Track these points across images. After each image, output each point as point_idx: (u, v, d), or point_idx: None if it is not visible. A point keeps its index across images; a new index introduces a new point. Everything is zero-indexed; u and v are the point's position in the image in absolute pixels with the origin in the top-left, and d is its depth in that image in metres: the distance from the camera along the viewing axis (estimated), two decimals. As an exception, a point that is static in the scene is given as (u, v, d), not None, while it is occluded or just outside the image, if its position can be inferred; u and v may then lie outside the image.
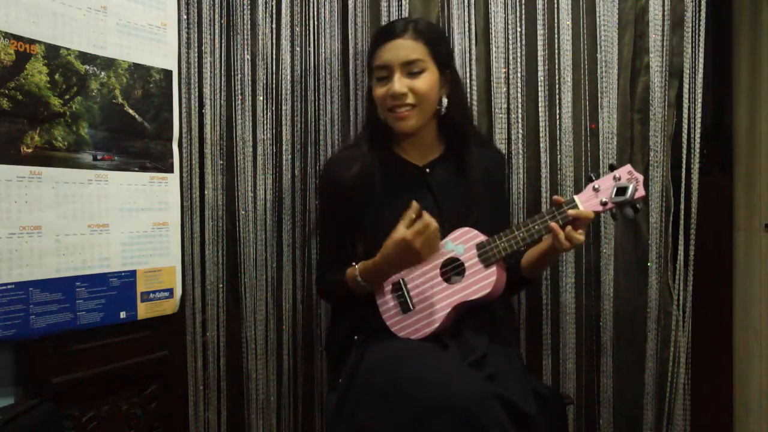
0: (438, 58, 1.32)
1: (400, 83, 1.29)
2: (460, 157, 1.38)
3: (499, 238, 1.23)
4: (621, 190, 1.17)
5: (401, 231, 1.19)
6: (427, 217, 1.19)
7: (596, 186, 1.20)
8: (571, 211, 1.19)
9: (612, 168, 1.21)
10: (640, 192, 1.17)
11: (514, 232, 1.22)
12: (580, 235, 1.18)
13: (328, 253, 1.42)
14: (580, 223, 1.19)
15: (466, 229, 1.27)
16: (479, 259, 1.24)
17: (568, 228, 1.18)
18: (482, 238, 1.25)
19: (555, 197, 1.22)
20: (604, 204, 1.19)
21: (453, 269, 1.27)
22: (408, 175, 1.37)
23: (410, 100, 1.30)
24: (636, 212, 1.18)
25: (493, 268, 1.23)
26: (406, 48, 1.30)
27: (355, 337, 1.31)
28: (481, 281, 1.24)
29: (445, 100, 1.35)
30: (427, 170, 1.38)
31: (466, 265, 1.25)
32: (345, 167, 1.36)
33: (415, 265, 1.25)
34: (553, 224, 1.19)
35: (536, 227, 1.21)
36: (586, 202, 1.20)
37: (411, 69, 1.30)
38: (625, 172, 1.19)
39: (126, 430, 1.43)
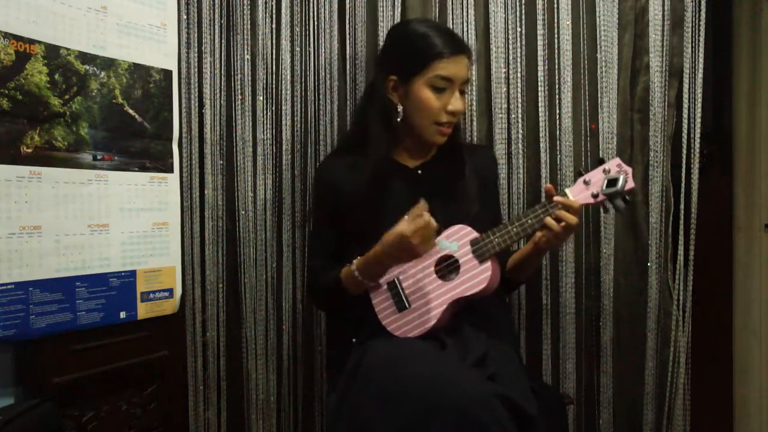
0: None
1: (463, 102, 1.32)
2: (451, 158, 1.39)
3: (492, 233, 1.25)
4: (611, 182, 1.19)
5: (402, 225, 1.19)
6: (427, 216, 1.18)
7: (587, 179, 1.22)
8: (558, 198, 1.20)
9: (601, 162, 1.23)
10: (630, 183, 1.19)
11: (508, 227, 1.24)
12: (572, 216, 1.19)
13: (321, 258, 1.42)
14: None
15: (460, 226, 1.27)
16: (474, 255, 1.25)
17: (561, 212, 1.20)
18: (476, 234, 1.26)
19: (548, 186, 1.23)
20: (595, 196, 1.21)
21: (448, 266, 1.28)
22: (401, 177, 1.38)
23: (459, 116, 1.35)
24: (626, 204, 1.20)
25: (488, 263, 1.24)
26: (467, 67, 1.32)
27: (354, 340, 1.31)
28: (476, 276, 1.24)
29: None
30: (419, 172, 1.39)
31: (460, 261, 1.26)
32: (344, 180, 1.36)
33: (411, 260, 1.24)
34: (548, 219, 1.20)
35: (529, 222, 1.23)
36: (578, 195, 1.22)
37: (463, 88, 1.33)
38: (614, 165, 1.21)
39: (126, 430, 1.43)
